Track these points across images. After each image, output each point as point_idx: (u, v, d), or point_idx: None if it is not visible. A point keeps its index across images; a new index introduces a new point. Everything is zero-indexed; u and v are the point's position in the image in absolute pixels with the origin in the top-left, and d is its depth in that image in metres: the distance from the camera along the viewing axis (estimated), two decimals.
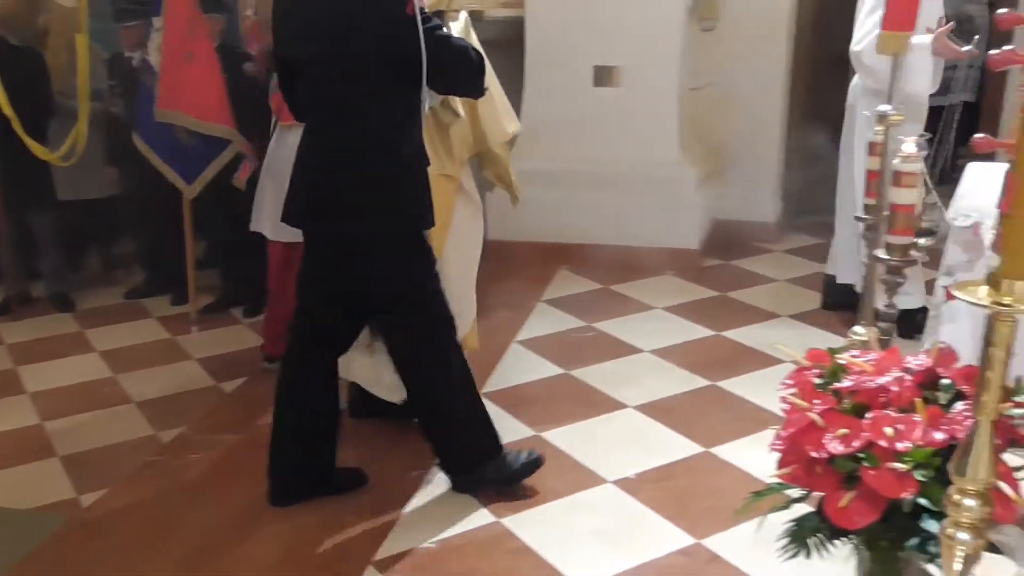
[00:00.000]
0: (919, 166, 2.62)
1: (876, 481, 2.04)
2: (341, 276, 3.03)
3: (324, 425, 3.18)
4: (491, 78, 3.28)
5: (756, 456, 3.10)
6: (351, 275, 3.01)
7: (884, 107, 2.87)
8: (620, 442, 3.50)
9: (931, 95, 6.56)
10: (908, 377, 2.27)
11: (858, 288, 4.32)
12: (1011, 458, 2.15)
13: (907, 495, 2.04)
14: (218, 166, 4.98)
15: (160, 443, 3.70)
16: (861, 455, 2.08)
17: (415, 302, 3.03)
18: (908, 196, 2.66)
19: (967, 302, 1.65)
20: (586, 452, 3.41)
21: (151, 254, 5.74)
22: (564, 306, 4.96)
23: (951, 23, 3.95)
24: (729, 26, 5.96)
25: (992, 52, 1.56)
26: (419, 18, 2.78)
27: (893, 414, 2.16)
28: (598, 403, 3.76)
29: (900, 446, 2.07)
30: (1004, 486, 1.98)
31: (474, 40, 3.36)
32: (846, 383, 2.24)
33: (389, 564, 2.83)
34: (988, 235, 2.62)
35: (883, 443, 2.07)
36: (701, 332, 4.59)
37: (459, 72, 2.97)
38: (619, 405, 3.78)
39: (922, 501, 2.05)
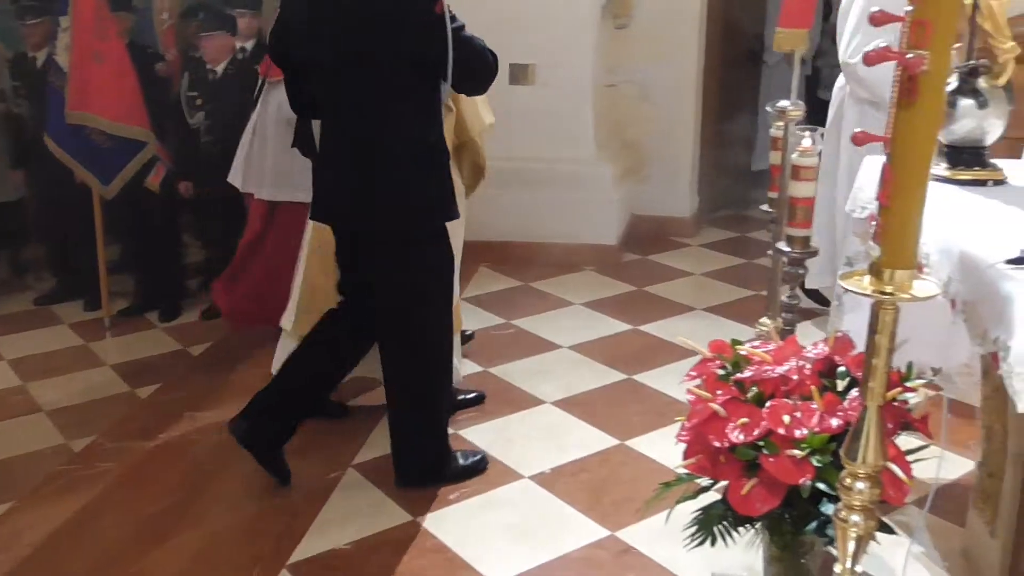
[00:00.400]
0: (815, 160, 2.69)
1: (775, 468, 2.10)
2: (368, 268, 3.09)
3: (312, 387, 3.26)
4: None
5: (669, 447, 3.14)
6: (378, 267, 3.06)
7: (783, 102, 2.94)
8: (537, 438, 3.53)
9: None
10: (808, 366, 2.34)
11: (826, 293, 4.36)
12: (905, 441, 2.23)
13: (805, 480, 2.10)
14: (137, 165, 4.89)
15: (71, 452, 3.62)
16: (761, 443, 2.14)
17: (426, 296, 3.08)
18: (806, 189, 2.74)
19: (851, 292, 1.71)
20: (503, 449, 3.43)
21: (61, 259, 5.61)
22: (484, 304, 4.97)
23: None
24: (642, 24, 6.04)
25: (867, 49, 1.62)
26: (448, 18, 2.82)
27: (792, 402, 2.21)
28: (516, 400, 3.79)
29: (798, 433, 2.13)
30: (895, 468, 2.06)
31: None
32: (747, 373, 2.29)
33: (304, 567, 2.80)
34: None
35: (781, 431, 2.13)
36: (619, 327, 4.65)
37: (482, 74, 3.02)
38: (537, 401, 3.80)
39: (820, 486, 2.11)
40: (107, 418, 3.90)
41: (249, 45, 5.17)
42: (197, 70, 5.17)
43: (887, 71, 3.74)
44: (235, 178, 4.46)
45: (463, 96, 3.39)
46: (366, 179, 2.94)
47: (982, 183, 2.55)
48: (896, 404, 2.17)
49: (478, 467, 3.29)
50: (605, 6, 5.69)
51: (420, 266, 3.05)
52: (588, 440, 3.49)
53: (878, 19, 1.68)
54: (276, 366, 3.66)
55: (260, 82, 4.27)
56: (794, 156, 2.72)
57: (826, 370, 2.33)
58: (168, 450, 3.58)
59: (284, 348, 3.72)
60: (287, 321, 3.73)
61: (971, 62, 2.55)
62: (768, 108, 3.12)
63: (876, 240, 1.75)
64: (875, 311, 1.67)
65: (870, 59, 1.65)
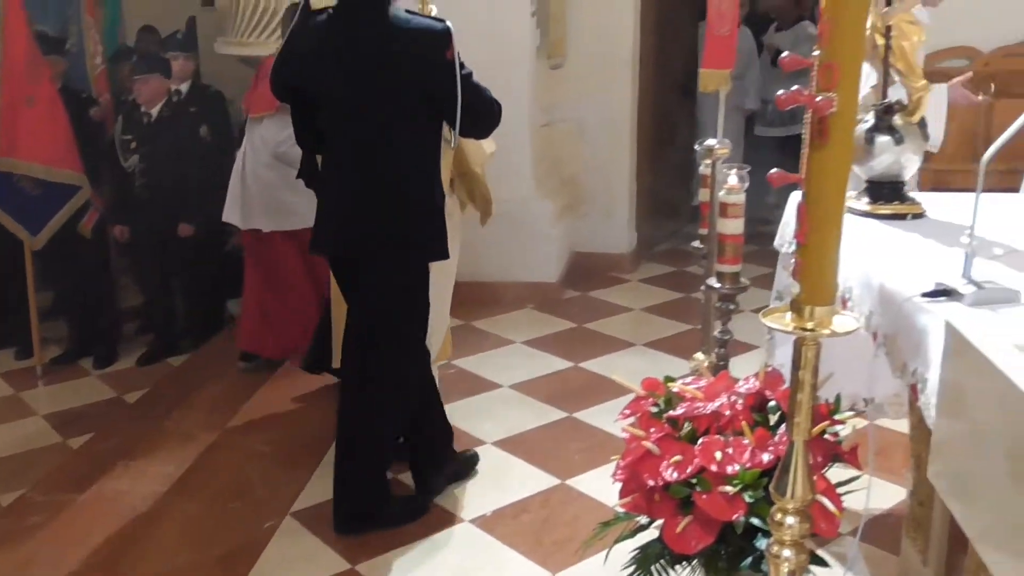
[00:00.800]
0: (742, 197, 2.74)
1: (708, 505, 2.11)
2: (361, 294, 3.16)
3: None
4: None
5: (610, 485, 3.14)
6: (370, 295, 3.13)
7: (710, 141, 2.99)
8: (477, 479, 3.51)
9: (786, 124, 6.93)
10: (741, 401, 2.37)
11: None
12: (836, 473, 2.26)
13: (738, 516, 2.11)
14: (69, 211, 4.83)
15: None
16: (694, 480, 2.15)
17: (408, 327, 3.17)
18: (734, 226, 2.79)
19: (773, 329, 1.74)
20: (443, 492, 3.40)
21: None
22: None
23: (970, 72, 4.02)
24: (576, 63, 6.13)
25: (780, 92, 1.66)
26: (458, 64, 2.93)
27: (724, 438, 2.23)
28: (456, 440, 3.75)
29: (730, 469, 2.14)
30: (826, 501, 2.08)
31: None
32: (679, 411, 2.31)
33: None
34: None
35: (714, 467, 2.14)
36: (559, 364, 4.66)
37: (486, 120, 3.14)
38: (477, 442, 3.78)
39: (754, 521, 2.13)
40: (38, 470, 3.80)
41: (184, 87, 5.14)
42: (131, 113, 5.12)
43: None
44: (231, 216, 4.61)
45: None
46: (370, 213, 3.01)
47: (902, 217, 2.62)
48: (825, 437, 2.20)
49: (418, 511, 3.26)
50: (539, 47, 5.75)
51: (404, 299, 3.13)
52: (529, 480, 3.48)
53: (787, 64, 1.72)
54: None
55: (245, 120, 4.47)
56: (721, 194, 2.76)
57: (757, 405, 2.36)
58: (101, 501, 3.49)
59: None
60: (336, 361, 3.64)
61: (886, 100, 2.62)
62: (696, 147, 3.17)
63: (795, 277, 1.79)
64: (797, 347, 1.70)
65: (781, 102, 1.69)
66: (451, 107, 2.95)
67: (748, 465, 2.13)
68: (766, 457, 2.15)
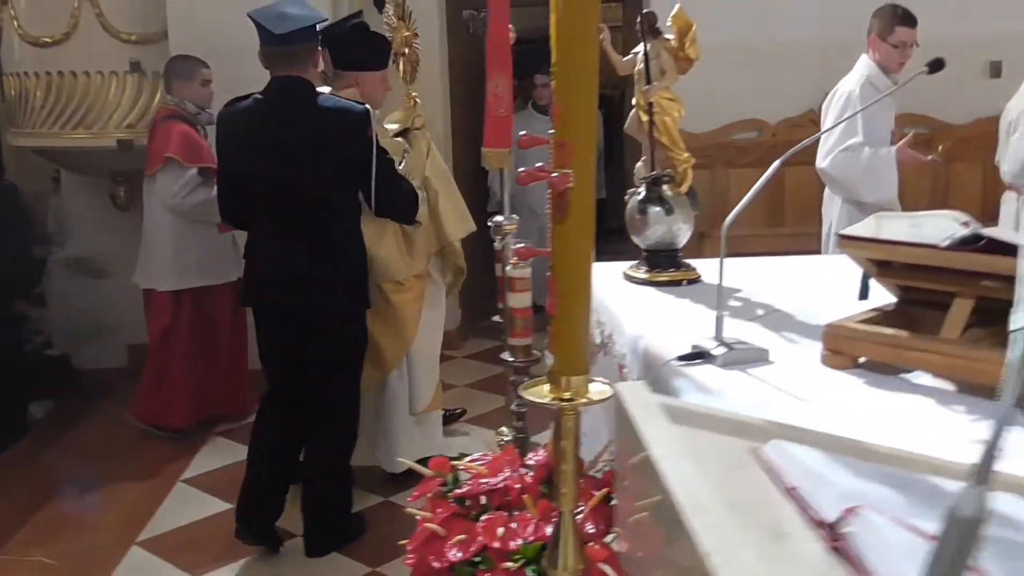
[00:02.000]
0: (528, 271, 2.78)
1: None
2: (296, 348, 3.47)
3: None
4: (449, 183, 4.04)
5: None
6: (305, 347, 3.45)
7: (498, 217, 3.03)
8: (290, 567, 3.38)
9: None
10: (531, 473, 2.36)
11: None
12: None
13: None
14: None
15: None
16: (478, 559, 2.12)
17: (348, 368, 3.56)
18: (521, 300, 2.82)
19: (533, 402, 1.75)
20: None
21: None
22: (238, 436, 4.74)
23: (913, 132, 4.25)
24: None
25: (520, 170, 1.70)
26: (375, 143, 3.31)
27: (509, 514, 2.22)
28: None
29: (513, 545, 2.12)
30: (608, 569, 2.09)
31: (435, 154, 4.00)
32: (465, 488, 2.28)
33: None
34: (599, 329, 2.81)
35: (496, 544, 2.12)
36: None
37: (402, 202, 3.55)
38: (289, 535, 3.65)
39: None
40: None
41: None
42: None
43: (848, 171, 4.03)
44: (139, 277, 4.78)
45: (442, 205, 3.93)
46: (296, 270, 3.33)
47: (678, 283, 2.71)
48: (606, 504, 2.21)
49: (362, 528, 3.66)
50: None
51: (342, 342, 3.49)
52: (343, 570, 3.37)
53: (525, 142, 1.77)
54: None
55: None
56: (508, 268, 2.79)
57: (547, 477, 2.36)
58: None
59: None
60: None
61: (654, 172, 2.74)
62: (489, 223, 3.21)
63: (550, 349, 1.81)
64: (557, 418, 1.72)
65: (521, 179, 1.73)
66: (368, 183, 3.33)
67: (531, 539, 2.11)
68: (549, 529, 2.14)
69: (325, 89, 3.51)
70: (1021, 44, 5.91)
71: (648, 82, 2.70)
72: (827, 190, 4.36)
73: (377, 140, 3.35)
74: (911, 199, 4.90)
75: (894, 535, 0.74)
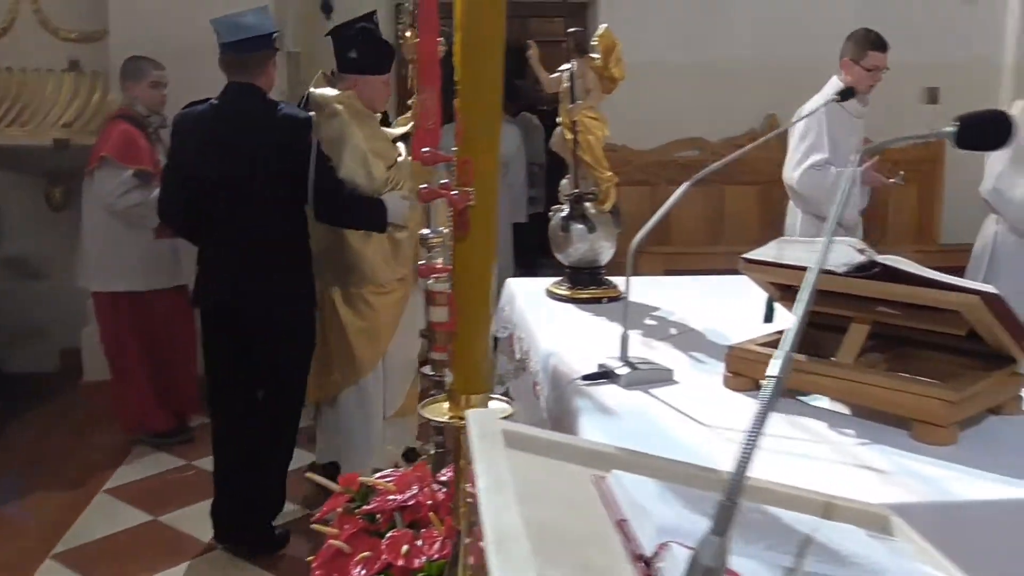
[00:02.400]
0: (447, 286, 2.77)
1: None
2: (242, 351, 3.48)
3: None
4: None
5: None
6: (251, 351, 3.48)
7: (425, 230, 3.02)
8: None
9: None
10: (444, 490, 2.35)
11: None
12: None
13: None
14: None
15: None
16: None
17: (298, 369, 3.60)
18: (443, 314, 2.81)
19: (431, 421, 1.74)
20: None
21: None
22: (165, 445, 4.67)
23: (877, 156, 4.32)
24: None
25: (422, 186, 1.70)
26: (315, 148, 3.36)
27: (416, 531, 2.20)
28: (185, 549, 3.55)
29: (417, 562, 2.11)
30: None
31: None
32: (372, 504, 2.26)
33: None
34: (519, 345, 2.81)
35: (400, 562, 2.10)
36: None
37: (340, 207, 3.49)
38: (209, 548, 3.59)
39: None
40: None
41: None
42: None
43: (816, 188, 4.16)
44: (80, 277, 4.71)
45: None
46: (245, 272, 3.39)
47: (599, 300, 2.72)
48: None
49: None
50: None
51: (288, 348, 3.52)
52: None
53: (426, 159, 1.77)
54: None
55: None
56: (429, 282, 2.78)
57: None
58: None
59: None
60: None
61: (576, 190, 2.75)
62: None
63: (449, 367, 1.81)
64: (456, 437, 1.71)
65: (422, 197, 1.72)
66: (307, 186, 3.38)
67: (436, 557, 2.10)
68: None
69: (328, 91, 3.64)
70: (957, 71, 6.04)
71: (573, 100, 2.71)
72: (791, 203, 4.46)
73: (318, 147, 3.39)
74: None
75: None
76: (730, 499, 0.70)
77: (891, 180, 4.33)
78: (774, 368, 0.85)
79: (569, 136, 2.73)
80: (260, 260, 3.40)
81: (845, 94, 2.40)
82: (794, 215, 4.45)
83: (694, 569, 0.66)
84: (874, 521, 1.00)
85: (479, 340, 1.75)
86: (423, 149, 1.80)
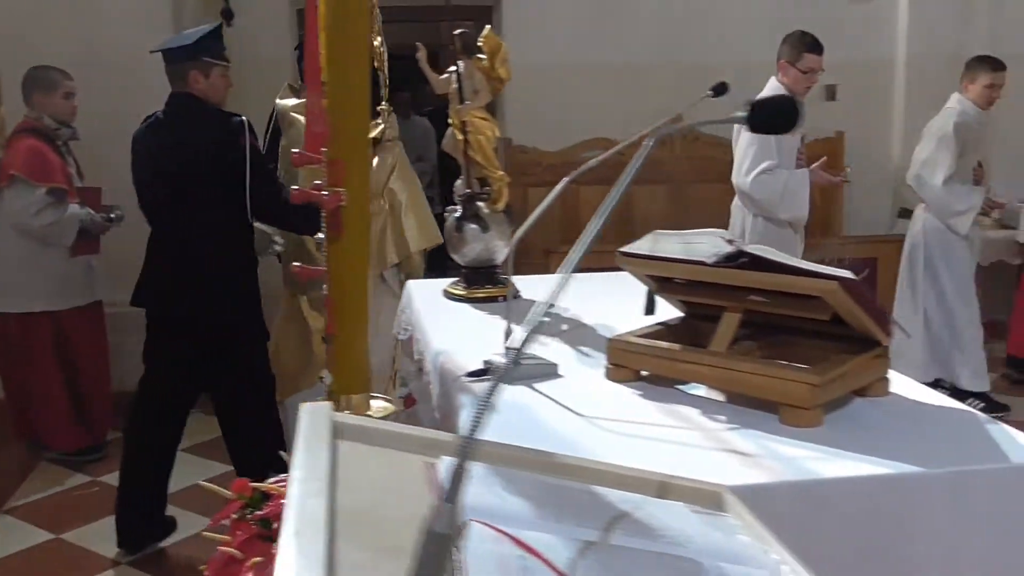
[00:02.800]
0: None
1: None
2: (190, 351, 3.52)
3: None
4: (416, 195, 4.00)
5: None
6: (200, 351, 3.53)
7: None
8: None
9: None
10: None
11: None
12: None
13: None
14: None
15: None
16: None
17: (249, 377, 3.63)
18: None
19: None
20: None
21: None
22: (71, 462, 4.56)
23: (824, 157, 4.42)
24: None
25: (295, 151, 1.72)
26: (248, 151, 3.38)
27: None
28: (87, 566, 3.48)
29: None
30: None
31: (404, 166, 3.96)
32: (265, 509, 2.24)
33: None
34: (416, 347, 2.82)
35: None
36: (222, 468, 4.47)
37: (276, 209, 3.46)
38: (113, 563, 3.52)
39: None
40: None
41: None
42: None
43: (769, 193, 4.24)
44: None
45: (405, 217, 3.94)
46: (186, 276, 3.44)
47: (494, 299, 2.74)
48: None
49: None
50: None
51: (238, 360, 3.58)
52: None
53: (297, 160, 1.77)
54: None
55: None
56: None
57: None
58: None
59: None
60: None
61: (469, 190, 2.77)
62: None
63: (329, 368, 1.81)
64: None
65: (295, 198, 1.72)
66: (243, 188, 3.40)
67: None
68: None
69: (290, 100, 3.80)
70: (855, 69, 6.21)
71: (462, 101, 2.73)
72: (736, 203, 4.54)
73: (255, 149, 3.46)
74: None
75: (496, 548, 0.76)
76: (460, 466, 0.74)
77: (839, 178, 4.47)
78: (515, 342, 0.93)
79: (460, 137, 2.75)
80: (199, 263, 3.44)
81: (718, 89, 2.45)
82: (739, 216, 4.52)
83: (427, 539, 0.68)
84: (708, 498, 1.03)
85: (357, 341, 1.76)
86: (293, 151, 1.79)
